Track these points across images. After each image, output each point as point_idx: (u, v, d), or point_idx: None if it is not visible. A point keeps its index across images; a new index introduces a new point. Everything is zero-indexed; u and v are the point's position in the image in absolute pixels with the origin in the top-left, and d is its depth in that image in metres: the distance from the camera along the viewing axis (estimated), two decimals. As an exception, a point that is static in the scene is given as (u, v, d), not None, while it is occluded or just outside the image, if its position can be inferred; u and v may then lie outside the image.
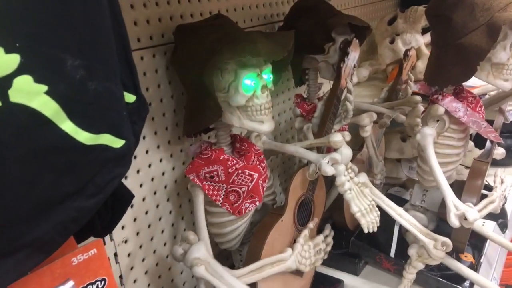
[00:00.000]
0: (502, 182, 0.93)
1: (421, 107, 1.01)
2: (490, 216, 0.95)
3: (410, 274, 0.83)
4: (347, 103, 0.83)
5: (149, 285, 0.77)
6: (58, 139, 0.31)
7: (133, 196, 0.51)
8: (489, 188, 0.93)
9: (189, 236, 0.67)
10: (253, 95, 0.65)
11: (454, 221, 0.73)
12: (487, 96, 1.04)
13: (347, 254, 0.98)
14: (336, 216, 0.99)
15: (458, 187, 0.89)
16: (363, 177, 0.83)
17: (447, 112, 0.80)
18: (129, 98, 0.38)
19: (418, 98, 1.05)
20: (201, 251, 0.64)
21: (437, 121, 0.82)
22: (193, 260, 0.63)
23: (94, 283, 0.40)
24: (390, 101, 1.14)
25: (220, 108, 0.64)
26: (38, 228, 0.32)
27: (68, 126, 0.31)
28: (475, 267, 0.95)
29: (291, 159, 1.16)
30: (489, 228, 1.11)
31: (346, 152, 0.74)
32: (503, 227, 1.21)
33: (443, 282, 0.87)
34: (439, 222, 0.95)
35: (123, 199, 0.49)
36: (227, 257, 0.87)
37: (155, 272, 0.78)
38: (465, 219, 0.74)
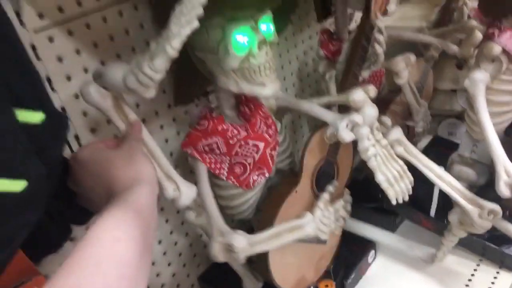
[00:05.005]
0: None
1: (479, 34, 0.82)
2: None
3: (450, 242, 0.73)
4: (375, 46, 0.68)
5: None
6: None
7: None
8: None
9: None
10: (249, 54, 0.53)
11: (503, 191, 0.61)
12: None
13: (382, 209, 0.89)
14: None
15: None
16: (396, 133, 0.70)
17: (505, 51, 0.62)
18: (32, 116, 0.29)
19: (475, 22, 0.85)
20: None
21: (493, 61, 0.65)
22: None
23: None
24: (443, 24, 0.95)
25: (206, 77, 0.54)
26: None
27: None
28: (534, 223, 0.82)
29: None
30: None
31: (370, 112, 0.61)
32: None
33: (491, 247, 0.77)
34: (492, 176, 0.82)
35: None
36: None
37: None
38: (520, 186, 0.61)
